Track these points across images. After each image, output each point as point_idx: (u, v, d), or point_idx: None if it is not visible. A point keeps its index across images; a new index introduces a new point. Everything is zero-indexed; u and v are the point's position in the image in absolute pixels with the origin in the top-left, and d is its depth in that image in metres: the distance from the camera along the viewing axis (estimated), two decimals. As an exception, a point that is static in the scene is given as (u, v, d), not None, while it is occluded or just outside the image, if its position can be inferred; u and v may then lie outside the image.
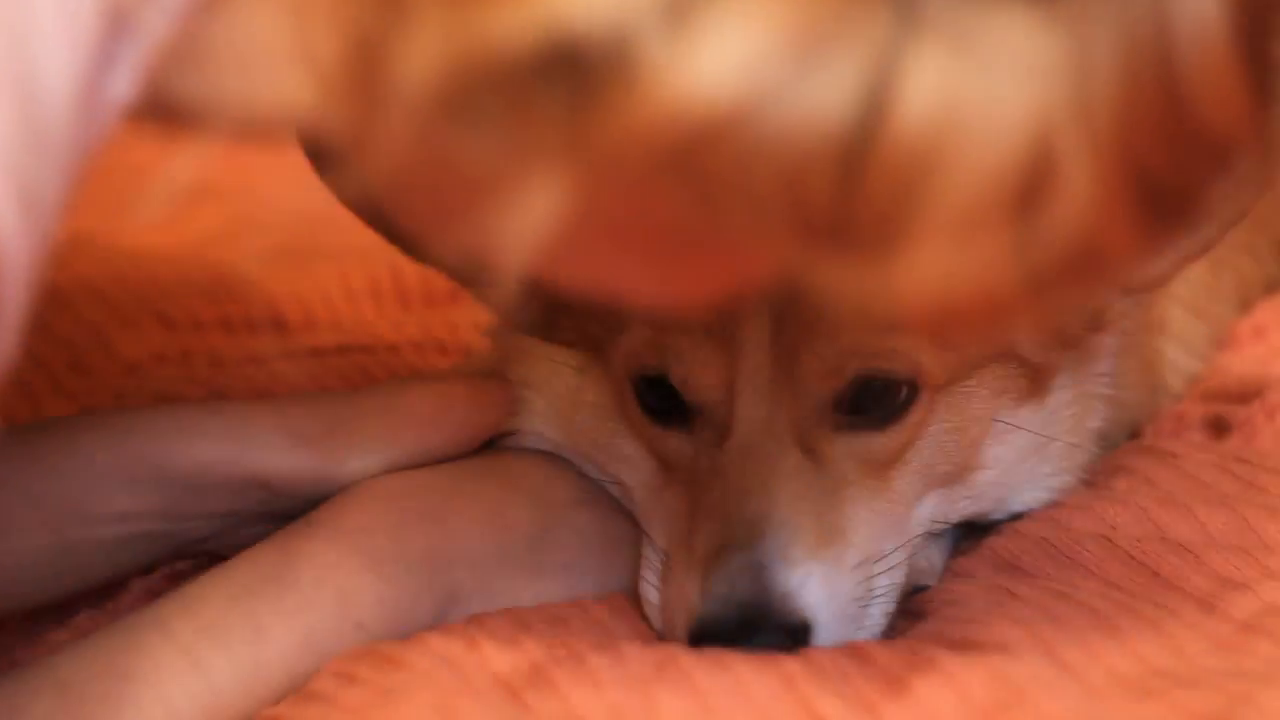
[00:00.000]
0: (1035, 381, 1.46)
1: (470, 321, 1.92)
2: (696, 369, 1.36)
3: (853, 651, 1.26)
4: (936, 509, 1.46)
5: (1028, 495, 1.51)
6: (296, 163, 2.49)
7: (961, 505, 1.48)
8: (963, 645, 1.26)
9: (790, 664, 1.23)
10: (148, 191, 2.53)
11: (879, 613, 1.39)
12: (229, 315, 1.93)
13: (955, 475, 1.45)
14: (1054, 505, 1.55)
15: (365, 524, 1.33)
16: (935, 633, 1.30)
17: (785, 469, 1.36)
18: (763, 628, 1.33)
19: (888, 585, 1.40)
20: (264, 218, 2.25)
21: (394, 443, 1.38)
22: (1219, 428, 1.69)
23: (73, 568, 1.37)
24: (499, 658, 1.25)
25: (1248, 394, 1.72)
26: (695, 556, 1.34)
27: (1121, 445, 1.67)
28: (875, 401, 1.38)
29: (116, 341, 1.88)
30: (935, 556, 1.51)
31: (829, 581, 1.36)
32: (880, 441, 1.39)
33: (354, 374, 1.75)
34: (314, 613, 1.27)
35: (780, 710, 1.20)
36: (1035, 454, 1.49)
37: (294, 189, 2.39)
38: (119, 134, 2.74)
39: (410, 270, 2.02)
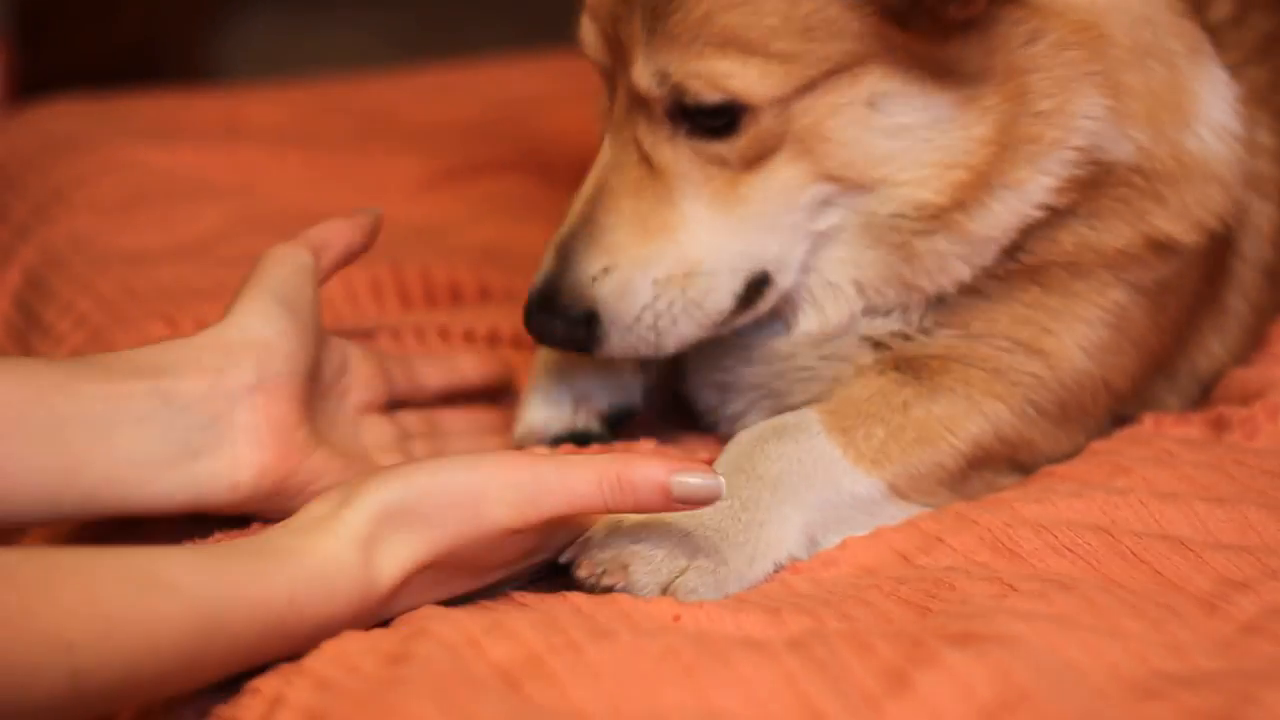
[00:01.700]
0: (926, 77, 1.48)
1: (472, 317, 1.93)
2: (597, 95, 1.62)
3: (854, 642, 1.26)
4: (834, 217, 1.53)
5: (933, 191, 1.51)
6: (296, 163, 2.50)
7: (856, 205, 1.53)
8: (965, 639, 1.26)
9: (790, 659, 1.23)
10: (148, 191, 2.53)
11: (702, 315, 1.53)
12: (230, 315, 1.92)
13: (840, 177, 1.51)
14: (1046, 487, 1.56)
15: None
16: (938, 626, 1.30)
17: (616, 174, 1.54)
18: (552, 310, 1.52)
19: (717, 290, 1.52)
20: (264, 218, 2.25)
21: None
22: (1219, 426, 1.69)
23: None
24: (497, 648, 1.24)
25: (1249, 396, 1.72)
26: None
27: (1114, 435, 1.68)
28: (704, 115, 1.49)
29: (117, 341, 1.88)
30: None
31: (626, 277, 1.51)
32: (718, 149, 1.51)
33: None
34: None
35: (780, 707, 1.20)
36: (940, 152, 1.50)
37: (294, 189, 2.39)
38: (119, 135, 2.75)
39: (411, 270, 2.03)
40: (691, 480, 1.36)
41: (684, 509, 1.39)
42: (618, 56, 1.53)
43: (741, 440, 1.54)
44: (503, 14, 4.49)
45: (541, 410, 1.65)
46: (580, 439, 1.65)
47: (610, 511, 1.40)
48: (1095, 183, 1.56)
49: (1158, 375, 1.73)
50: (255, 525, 1.46)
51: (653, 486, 1.36)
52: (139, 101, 2.80)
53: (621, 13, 1.50)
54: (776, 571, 1.47)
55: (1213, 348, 1.78)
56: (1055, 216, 1.56)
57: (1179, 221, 1.59)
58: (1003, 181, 1.52)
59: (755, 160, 1.50)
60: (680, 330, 1.54)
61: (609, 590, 1.40)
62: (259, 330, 1.51)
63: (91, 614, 1.18)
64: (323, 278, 1.62)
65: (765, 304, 1.57)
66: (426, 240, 2.14)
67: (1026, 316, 1.60)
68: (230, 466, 1.46)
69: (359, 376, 1.64)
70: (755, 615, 1.35)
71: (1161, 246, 1.60)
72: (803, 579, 1.45)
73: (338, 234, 1.66)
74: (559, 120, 2.60)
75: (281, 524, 1.33)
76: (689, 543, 1.43)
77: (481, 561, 1.38)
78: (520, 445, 1.65)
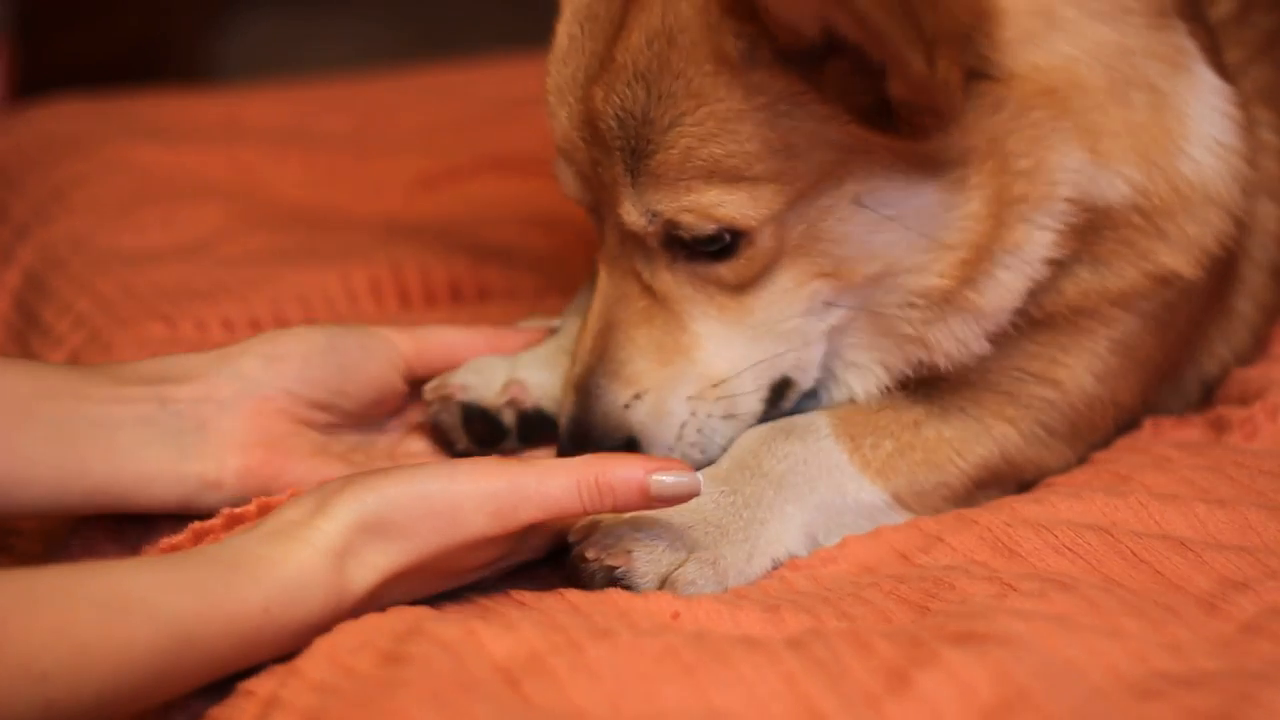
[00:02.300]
0: (910, 169, 1.47)
1: (472, 317, 1.92)
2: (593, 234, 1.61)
3: (854, 641, 1.26)
4: (841, 314, 1.53)
5: (926, 281, 1.51)
6: (296, 163, 2.50)
7: (861, 301, 1.52)
8: (965, 639, 1.26)
9: (790, 658, 1.23)
10: (148, 191, 2.52)
11: (738, 421, 1.54)
12: (230, 315, 1.92)
13: (838, 275, 1.51)
14: (1045, 488, 1.57)
15: None
16: (937, 626, 1.30)
17: (622, 307, 1.54)
18: (587, 446, 1.51)
19: (748, 401, 1.53)
20: (264, 218, 2.25)
21: None
22: (1219, 427, 1.69)
23: None
24: (497, 645, 1.24)
25: (1249, 396, 1.72)
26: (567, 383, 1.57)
27: (1113, 444, 1.68)
28: (700, 243, 1.49)
29: (116, 341, 1.88)
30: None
31: (660, 399, 1.52)
32: (718, 271, 1.51)
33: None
34: None
35: (780, 706, 1.20)
36: (936, 236, 1.49)
37: (294, 189, 2.39)
38: (119, 135, 2.74)
39: (411, 270, 2.03)
40: (668, 479, 1.38)
41: (663, 507, 1.40)
42: (600, 195, 1.53)
43: (749, 437, 1.55)
44: (502, 14, 4.49)
45: (469, 375, 1.64)
46: (489, 421, 1.63)
47: (589, 514, 1.40)
48: (1095, 227, 1.54)
49: (1164, 383, 1.73)
50: (225, 511, 1.47)
51: (630, 486, 1.37)
52: (139, 101, 2.80)
53: (599, 157, 1.50)
54: (775, 568, 1.48)
55: (1219, 351, 1.78)
56: (1059, 268, 1.55)
57: (1183, 254, 1.58)
58: (1002, 246, 1.51)
59: (756, 275, 1.51)
60: (720, 439, 1.55)
61: (610, 573, 1.41)
62: (277, 346, 1.55)
63: (66, 644, 1.19)
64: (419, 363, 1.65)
65: (789, 403, 1.57)
66: (426, 240, 2.13)
67: (1037, 352, 1.60)
68: (216, 468, 1.49)
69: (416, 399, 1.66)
70: (754, 613, 1.35)
71: (1166, 281, 1.59)
72: (802, 576, 1.46)
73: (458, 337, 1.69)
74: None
75: (254, 526, 1.34)
76: (690, 536, 1.44)
77: (457, 566, 1.39)
78: (426, 397, 1.64)
